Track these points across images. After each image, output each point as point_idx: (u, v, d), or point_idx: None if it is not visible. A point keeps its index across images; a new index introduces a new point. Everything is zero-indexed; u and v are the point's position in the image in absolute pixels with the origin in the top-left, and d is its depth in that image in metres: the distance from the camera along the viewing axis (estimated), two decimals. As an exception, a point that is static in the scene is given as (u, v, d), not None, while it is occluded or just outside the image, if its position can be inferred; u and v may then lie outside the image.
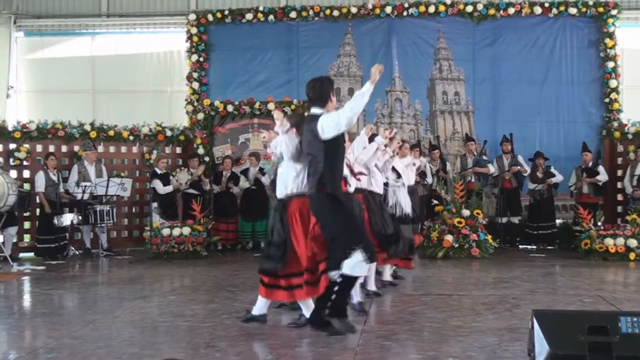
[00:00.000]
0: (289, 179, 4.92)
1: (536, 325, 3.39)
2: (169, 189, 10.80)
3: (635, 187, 10.36)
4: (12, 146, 10.80)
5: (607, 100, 11.66)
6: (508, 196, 11.05)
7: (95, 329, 5.19)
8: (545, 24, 11.94)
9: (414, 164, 7.84)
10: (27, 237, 10.74)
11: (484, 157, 11.25)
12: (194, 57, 12.26)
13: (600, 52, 11.75)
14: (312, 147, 4.72)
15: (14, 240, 10.11)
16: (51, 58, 13.62)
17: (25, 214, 10.56)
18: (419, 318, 5.49)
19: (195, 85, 12.17)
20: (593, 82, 11.81)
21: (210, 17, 12.30)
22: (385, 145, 6.36)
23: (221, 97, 12.05)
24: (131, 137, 11.57)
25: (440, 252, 9.64)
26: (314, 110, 4.84)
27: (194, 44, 12.27)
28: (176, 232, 9.90)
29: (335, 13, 12.13)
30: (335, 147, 4.71)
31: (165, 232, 9.92)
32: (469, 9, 11.89)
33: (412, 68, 12.14)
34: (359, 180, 5.48)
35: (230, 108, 11.91)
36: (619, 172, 11.36)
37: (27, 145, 10.84)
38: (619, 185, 11.28)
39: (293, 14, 12.17)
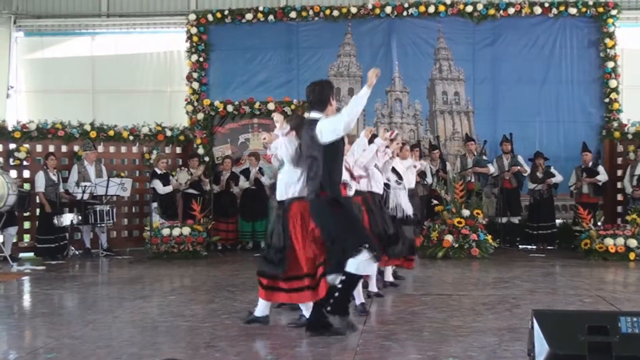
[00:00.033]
0: (290, 182, 4.93)
1: (536, 325, 3.39)
2: (168, 189, 10.80)
3: (635, 187, 10.37)
4: (12, 146, 10.79)
5: (607, 100, 11.67)
6: (508, 196, 11.05)
7: (95, 329, 5.19)
8: (545, 24, 11.94)
9: (414, 167, 7.83)
10: (27, 237, 10.73)
11: (484, 157, 11.25)
12: (194, 57, 12.26)
13: (600, 52, 11.75)
14: (311, 151, 4.73)
15: (14, 240, 10.10)
16: (51, 58, 13.62)
17: (25, 214, 10.56)
18: (419, 318, 5.49)
19: (195, 85, 12.18)
20: (593, 82, 11.81)
21: (210, 17, 12.30)
22: (387, 147, 6.37)
23: (221, 97, 12.05)
24: (131, 137, 11.57)
25: (440, 252, 9.64)
26: (314, 114, 4.86)
27: (194, 44, 12.28)
28: (176, 232, 9.90)
29: (335, 13, 12.13)
30: (335, 150, 4.73)
31: (165, 232, 9.93)
32: (469, 9, 11.90)
33: (412, 68, 12.14)
34: (358, 183, 5.49)
35: (230, 108, 11.91)
36: (619, 172, 11.36)
37: (27, 145, 10.83)
38: (619, 185, 11.29)
39: (293, 14, 12.17)
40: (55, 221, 9.83)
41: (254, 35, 12.30)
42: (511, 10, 11.84)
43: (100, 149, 11.22)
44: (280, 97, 11.84)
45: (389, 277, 7.09)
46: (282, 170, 5.11)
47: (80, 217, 10.02)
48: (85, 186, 10.07)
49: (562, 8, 11.82)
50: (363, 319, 5.33)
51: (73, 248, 10.48)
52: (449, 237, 9.65)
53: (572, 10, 11.80)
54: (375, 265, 4.79)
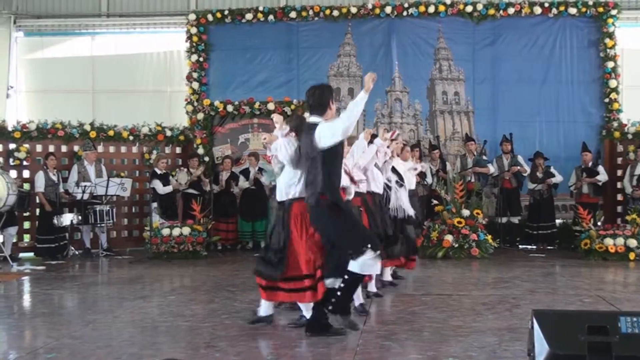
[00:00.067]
0: (291, 183, 4.93)
1: (536, 325, 3.39)
2: (168, 189, 10.80)
3: (635, 187, 10.36)
4: (12, 146, 10.79)
5: (607, 100, 11.67)
6: (508, 196, 11.05)
7: (95, 329, 5.19)
8: (545, 24, 11.95)
9: (415, 169, 7.82)
10: (27, 237, 10.73)
11: (484, 157, 11.25)
12: (194, 57, 12.26)
13: (600, 52, 11.75)
14: (311, 155, 4.74)
15: (14, 240, 10.10)
16: (51, 58, 13.62)
17: (25, 214, 10.55)
18: (419, 318, 5.50)
19: (195, 85, 12.18)
20: (593, 82, 11.81)
21: (210, 17, 12.31)
22: (387, 147, 6.36)
23: (221, 97, 12.05)
24: (131, 137, 11.56)
25: (440, 252, 9.64)
26: (313, 118, 4.87)
27: (194, 44, 12.28)
28: (176, 232, 9.90)
29: (335, 13, 12.13)
30: (334, 154, 4.73)
31: (165, 232, 9.92)
32: (469, 9, 11.90)
33: (412, 68, 12.14)
34: (358, 187, 5.50)
35: (230, 108, 11.90)
36: (619, 172, 11.36)
37: (27, 145, 10.83)
38: (619, 185, 11.29)
39: (293, 14, 12.17)
40: (55, 221, 9.83)
41: (254, 35, 12.30)
42: (511, 10, 11.84)
43: (100, 149, 11.22)
44: (280, 97, 11.83)
45: (387, 277, 7.09)
46: (283, 171, 5.12)
47: (80, 217, 10.02)
48: (85, 186, 10.07)
49: (562, 8, 11.82)
50: (363, 319, 5.33)
51: (73, 248, 10.48)
52: (449, 237, 9.65)
53: (572, 10, 11.80)
54: (379, 264, 4.79)
